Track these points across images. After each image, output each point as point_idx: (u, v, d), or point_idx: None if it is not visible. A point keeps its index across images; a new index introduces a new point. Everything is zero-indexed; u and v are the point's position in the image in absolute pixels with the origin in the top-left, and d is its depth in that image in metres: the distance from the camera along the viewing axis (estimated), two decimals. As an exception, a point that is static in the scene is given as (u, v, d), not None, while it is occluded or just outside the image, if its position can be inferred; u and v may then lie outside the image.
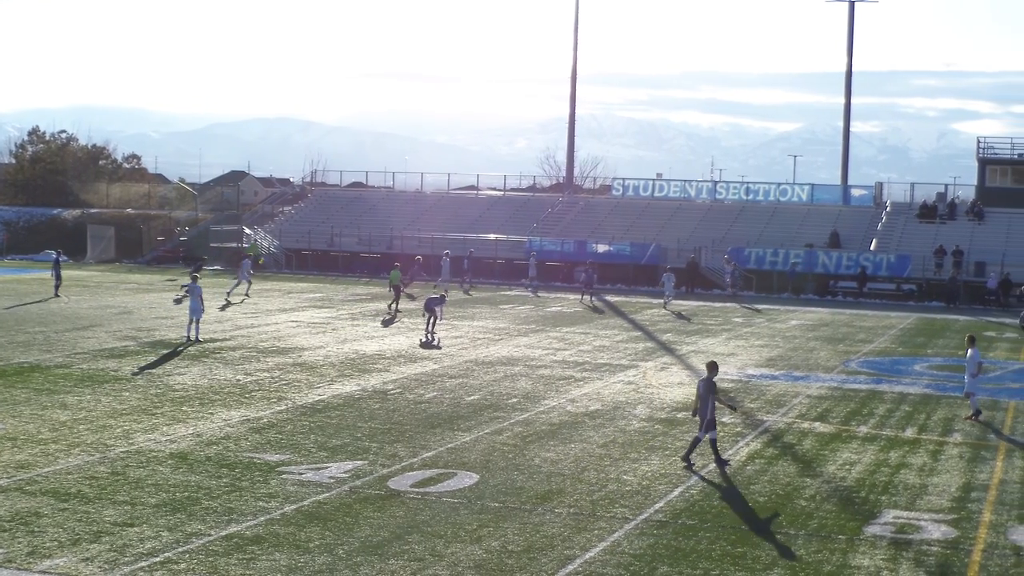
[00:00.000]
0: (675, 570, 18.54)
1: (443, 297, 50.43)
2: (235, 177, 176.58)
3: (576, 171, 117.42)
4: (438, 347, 44.63)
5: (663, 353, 45.23)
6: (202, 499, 21.63)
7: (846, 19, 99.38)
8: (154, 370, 36.78)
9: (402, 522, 20.55)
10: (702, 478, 24.86)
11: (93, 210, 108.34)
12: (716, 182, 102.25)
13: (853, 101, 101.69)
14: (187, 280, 48.75)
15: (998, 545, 20.50)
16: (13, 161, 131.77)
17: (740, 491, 23.72)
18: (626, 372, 39.75)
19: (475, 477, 24.00)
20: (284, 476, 23.56)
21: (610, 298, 71.11)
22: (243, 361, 39.22)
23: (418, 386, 35.16)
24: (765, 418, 32.04)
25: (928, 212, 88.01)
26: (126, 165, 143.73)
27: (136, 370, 36.67)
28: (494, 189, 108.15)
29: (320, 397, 32.81)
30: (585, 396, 34.47)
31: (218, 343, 43.40)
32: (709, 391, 26.09)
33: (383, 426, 29.01)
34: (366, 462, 25.02)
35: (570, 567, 18.50)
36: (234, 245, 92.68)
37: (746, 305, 68.34)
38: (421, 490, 22.81)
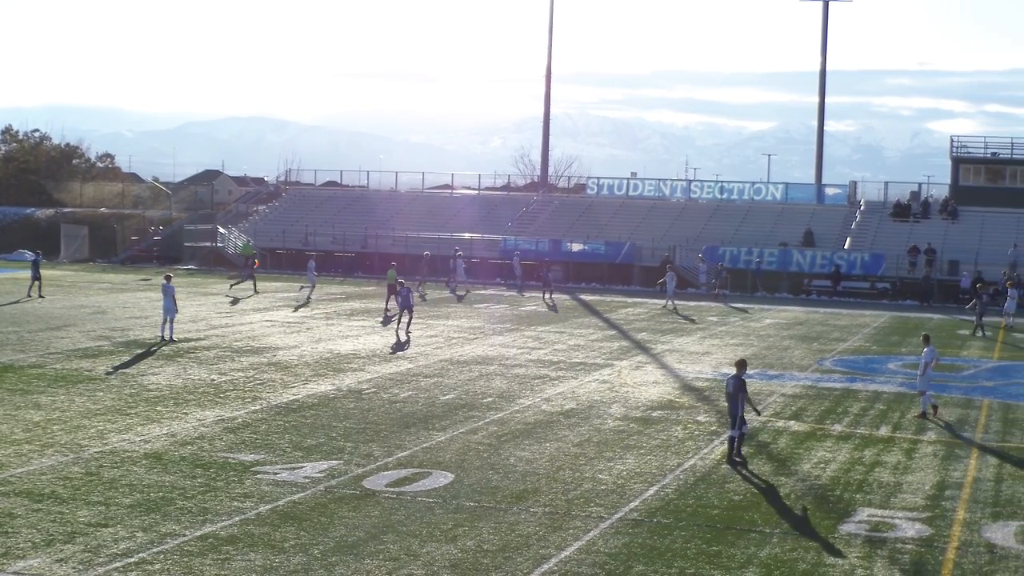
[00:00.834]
0: (650, 569, 18.56)
1: (410, 290, 50.49)
2: (209, 176, 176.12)
3: (551, 170, 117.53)
4: (405, 347, 44.66)
5: (638, 352, 45.27)
6: (176, 499, 21.57)
7: (820, 19, 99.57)
8: (128, 370, 36.68)
9: (377, 522, 20.53)
10: (745, 477, 24.92)
11: (66, 209, 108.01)
12: (690, 181, 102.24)
13: (827, 100, 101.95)
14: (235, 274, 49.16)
15: (972, 543, 20.56)
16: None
17: (715, 490, 23.74)
18: (601, 371, 39.77)
19: (450, 476, 23.98)
20: (259, 476, 23.51)
21: (585, 297, 71.13)
22: (217, 361, 39.13)
23: (393, 385, 35.13)
24: (740, 417, 32.04)
25: (902, 211, 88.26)
26: (100, 164, 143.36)
27: (110, 370, 36.57)
28: (469, 188, 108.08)
29: (295, 397, 32.76)
30: (560, 395, 34.48)
31: (192, 343, 43.29)
32: (739, 389, 26.32)
33: (358, 426, 28.98)
34: (341, 462, 24.99)
35: (545, 566, 18.50)
36: (208, 244, 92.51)
37: (731, 305, 68.16)
38: (396, 490, 22.79)
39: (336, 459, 25.24)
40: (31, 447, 25.55)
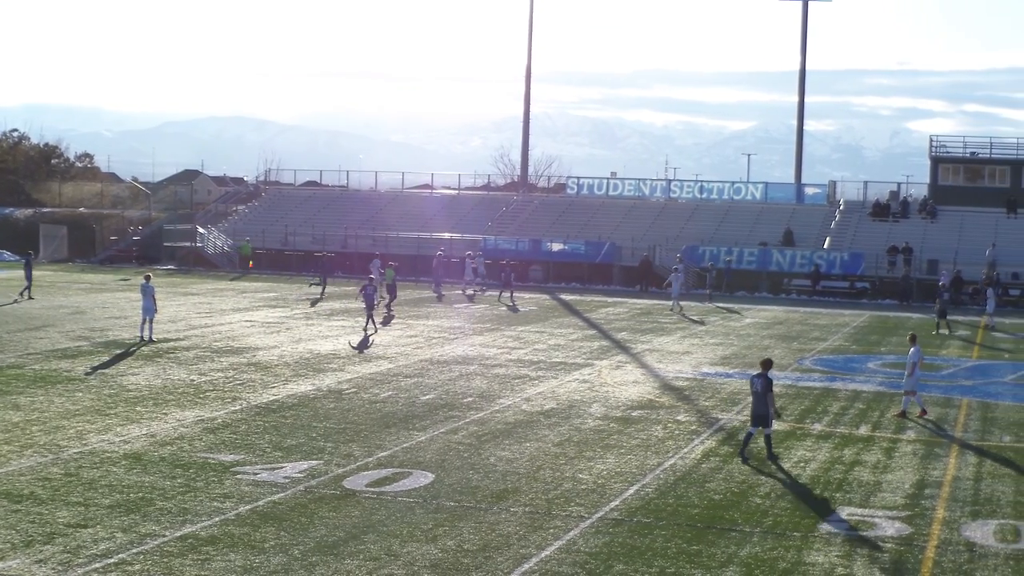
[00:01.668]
0: (631, 568, 18.57)
1: (375, 287, 50.67)
2: (188, 176, 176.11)
3: (530, 170, 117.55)
4: (368, 344, 44.87)
5: (618, 352, 45.29)
6: (156, 500, 21.53)
7: (799, 18, 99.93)
8: (107, 370, 36.59)
9: (358, 522, 20.51)
10: (776, 475, 24.97)
11: (45, 209, 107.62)
12: (670, 181, 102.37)
13: (807, 100, 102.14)
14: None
15: (952, 541, 20.61)
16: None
17: (696, 489, 23.77)
18: (581, 371, 39.78)
19: (430, 476, 23.97)
20: (239, 476, 23.47)
21: (565, 296, 71.16)
22: (197, 361, 39.07)
23: (373, 385, 35.11)
24: (720, 416, 32.11)
25: (881, 210, 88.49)
26: (79, 164, 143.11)
27: (89, 370, 36.48)
28: (448, 188, 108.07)
29: (275, 397, 32.72)
30: (540, 395, 34.48)
31: (172, 343, 43.21)
32: (767, 388, 26.58)
33: (338, 426, 28.95)
34: (321, 462, 24.97)
35: (526, 566, 18.50)
36: (187, 244, 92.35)
37: (721, 306, 67.97)
38: (376, 490, 22.77)
39: (316, 459, 25.21)
40: (10, 448, 25.48)
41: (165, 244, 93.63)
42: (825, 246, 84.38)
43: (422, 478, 23.82)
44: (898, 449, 28.55)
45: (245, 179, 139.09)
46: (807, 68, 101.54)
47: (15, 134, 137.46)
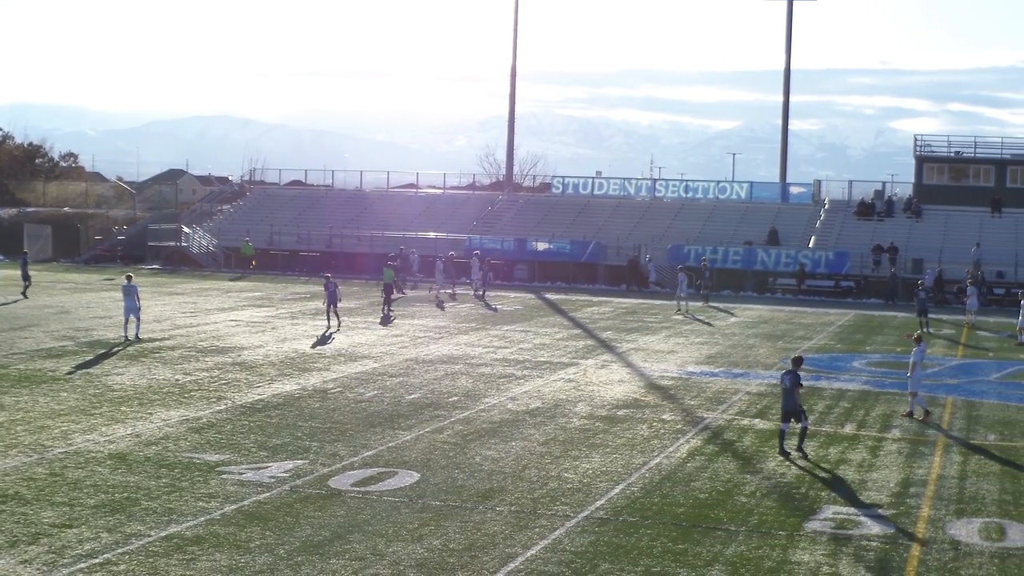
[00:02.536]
0: (616, 567, 18.58)
1: (336, 284, 51.02)
2: (173, 175, 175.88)
3: (516, 169, 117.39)
4: (329, 340, 45.11)
5: (603, 351, 45.30)
6: (141, 500, 21.50)
7: (784, 18, 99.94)
8: (92, 370, 36.53)
9: (343, 521, 20.50)
10: (798, 461, 25.05)
11: (29, 209, 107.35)
12: (655, 180, 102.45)
13: (791, 99, 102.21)
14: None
15: (936, 540, 20.65)
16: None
17: (681, 488, 23.78)
18: (566, 370, 39.79)
19: (416, 476, 23.97)
20: (224, 476, 23.45)
21: (550, 296, 71.15)
22: (182, 361, 39.01)
23: (358, 385, 35.08)
24: (705, 415, 32.13)
25: (866, 210, 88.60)
26: (63, 163, 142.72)
27: (71, 369, 36.40)
28: (434, 187, 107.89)
29: (260, 396, 32.68)
30: (526, 394, 34.48)
31: (157, 343, 43.15)
32: (795, 385, 27.12)
33: (323, 425, 28.93)
34: (306, 461, 24.95)
35: (512, 565, 18.50)
36: (172, 244, 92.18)
37: (712, 305, 67.81)
38: (362, 489, 22.76)
39: (302, 459, 25.20)
40: (-6, 448, 25.44)
41: (150, 244, 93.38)
42: (810, 245, 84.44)
43: (407, 477, 23.81)
44: (883, 448, 28.60)
45: (230, 178, 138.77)
46: (791, 67, 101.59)
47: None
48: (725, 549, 19.73)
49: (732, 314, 62.84)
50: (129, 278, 45.15)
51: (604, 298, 70.73)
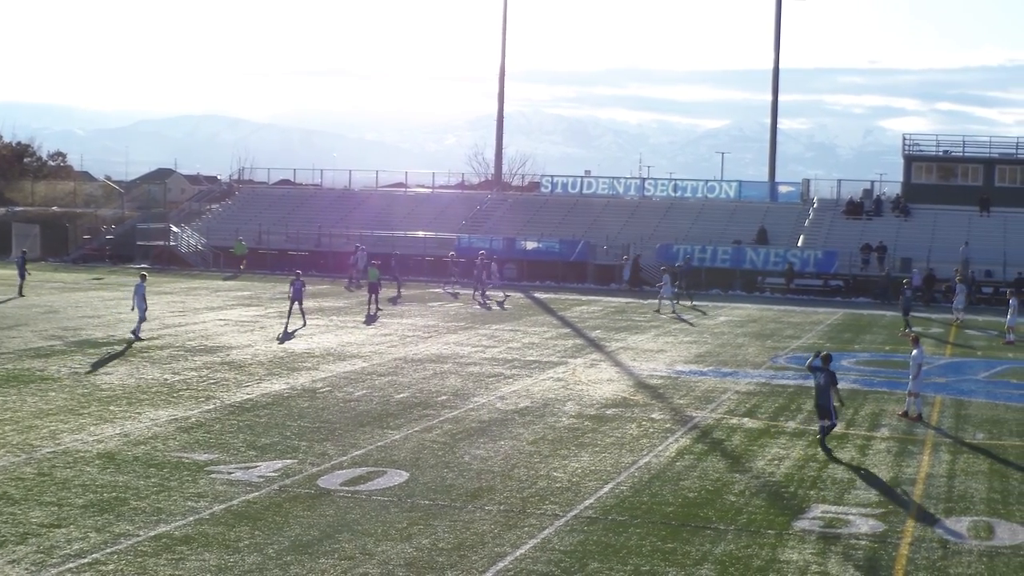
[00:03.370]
0: (605, 566, 18.58)
1: (303, 283, 51.73)
2: (162, 175, 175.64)
3: (505, 168, 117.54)
4: (292, 336, 45.78)
5: (592, 350, 45.32)
6: (130, 499, 21.47)
7: (773, 17, 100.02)
8: (81, 370, 36.47)
9: (332, 521, 20.49)
10: (838, 461, 25.12)
11: (18, 208, 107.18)
12: (644, 179, 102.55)
13: (780, 98, 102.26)
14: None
15: (925, 538, 20.68)
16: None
17: (670, 487, 23.79)
18: (555, 369, 39.79)
19: (405, 475, 23.96)
20: (213, 475, 23.42)
21: (539, 295, 71.14)
22: (171, 360, 38.97)
23: (347, 384, 35.07)
24: (694, 414, 32.15)
25: (855, 209, 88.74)
26: (51, 163, 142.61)
27: (88, 368, 36.34)
28: (422, 186, 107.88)
29: (249, 396, 32.66)
30: (515, 393, 34.48)
31: (145, 342, 43.09)
32: (829, 382, 27.61)
33: (312, 424, 28.91)
34: (295, 461, 24.93)
35: (501, 564, 18.50)
36: (161, 243, 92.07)
37: (695, 304, 67.83)
38: (351, 488, 22.75)
39: (290, 458, 25.18)
40: (-17, 447, 25.39)
41: (138, 243, 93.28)
42: (799, 244, 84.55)
43: (396, 477, 23.80)
44: (872, 447, 28.63)
45: (219, 178, 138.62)
46: (780, 66, 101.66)
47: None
48: (714, 548, 19.75)
49: (705, 313, 62.83)
50: (143, 277, 45.48)
51: (593, 297, 70.75)
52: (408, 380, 36.28)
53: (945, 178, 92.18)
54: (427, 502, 21.97)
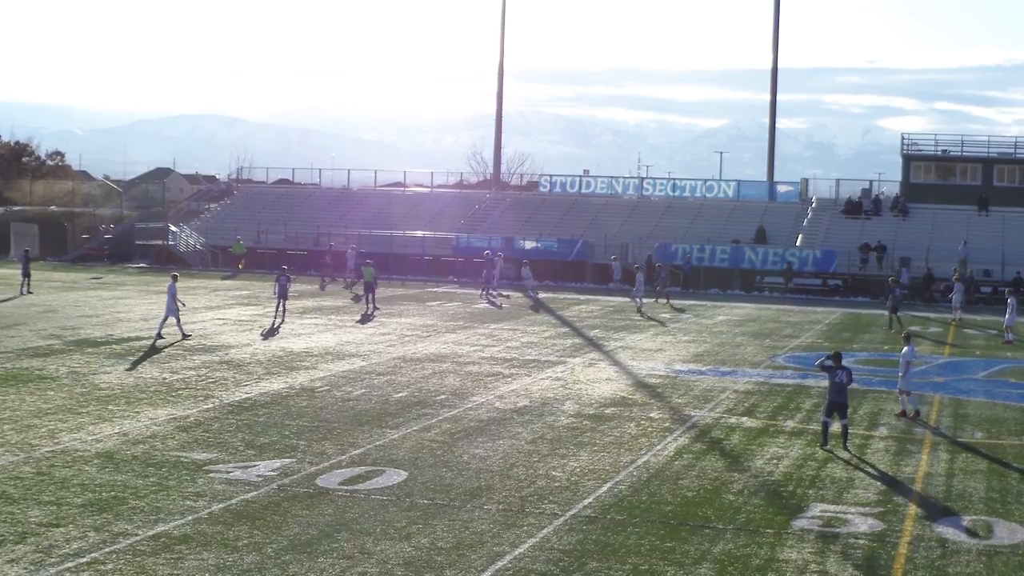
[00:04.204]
0: (604, 565, 18.57)
1: (288, 278, 52.69)
2: (160, 174, 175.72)
3: (503, 168, 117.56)
4: (276, 332, 46.40)
5: (591, 349, 45.32)
6: (129, 499, 21.46)
7: (771, 16, 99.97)
8: (79, 369, 36.45)
9: (331, 520, 20.48)
10: (864, 461, 25.15)
11: (16, 207, 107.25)
12: (643, 178, 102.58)
13: (779, 98, 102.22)
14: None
15: (924, 537, 20.67)
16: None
17: (669, 486, 23.78)
18: (554, 368, 39.79)
19: (404, 474, 23.95)
20: (212, 475, 23.41)
21: (538, 294, 71.08)
22: (169, 359, 38.96)
23: (346, 383, 35.06)
24: (693, 413, 32.14)
25: (853, 208, 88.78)
26: (50, 162, 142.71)
27: (131, 366, 36.34)
28: (421, 186, 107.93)
29: (247, 395, 32.65)
30: (513, 392, 34.48)
31: (144, 341, 43.08)
32: (848, 379, 28.08)
33: (311, 424, 28.91)
34: (294, 460, 24.92)
35: (499, 563, 18.49)
36: (159, 243, 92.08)
37: (671, 303, 68.02)
38: (350, 488, 22.74)
39: (289, 457, 25.17)
40: (-19, 447, 25.38)
41: (137, 242, 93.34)
42: (797, 244, 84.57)
43: (395, 476, 23.79)
44: (870, 446, 28.63)
45: (217, 177, 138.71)
46: (778, 66, 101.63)
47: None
48: (713, 547, 19.74)
49: (682, 311, 62.89)
50: (175, 278, 45.62)
51: (592, 296, 70.75)
52: (407, 379, 36.28)
53: (944, 178, 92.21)
54: (426, 501, 21.96)
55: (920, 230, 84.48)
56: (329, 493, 22.30)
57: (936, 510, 22.59)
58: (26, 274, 62.43)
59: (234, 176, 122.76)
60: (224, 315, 53.03)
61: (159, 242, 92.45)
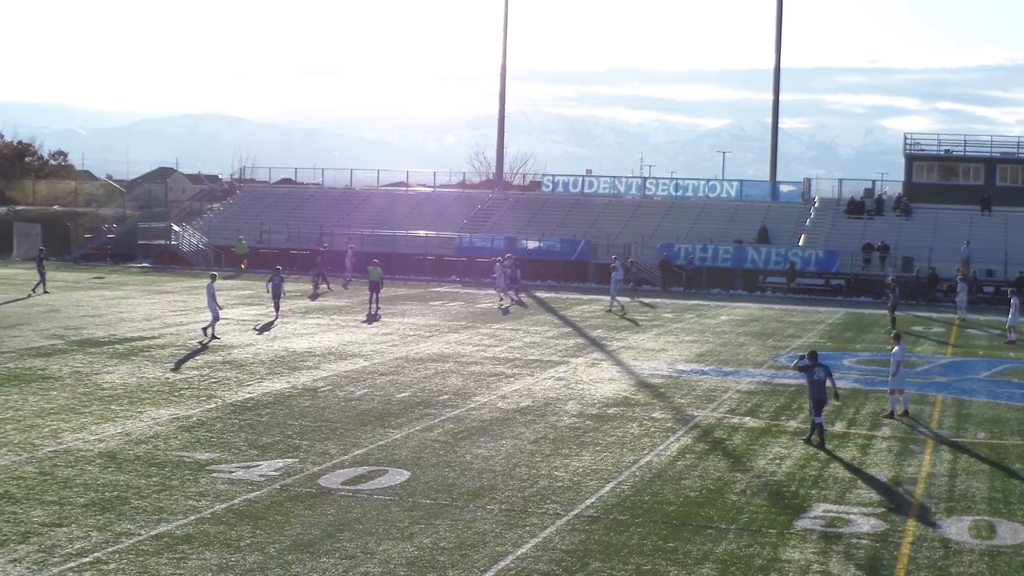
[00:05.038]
0: (607, 565, 18.57)
1: (282, 278, 53.14)
2: (163, 174, 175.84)
3: (506, 167, 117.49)
4: (271, 328, 46.72)
5: (593, 349, 45.31)
6: (131, 498, 21.46)
7: (774, 16, 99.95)
8: (82, 369, 36.46)
9: (333, 520, 20.49)
10: (830, 454, 25.16)
11: (19, 207, 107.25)
12: (645, 179, 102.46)
13: (781, 98, 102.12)
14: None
15: (927, 538, 20.67)
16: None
17: (671, 486, 23.78)
18: (557, 368, 39.78)
19: (406, 474, 23.95)
20: (214, 475, 23.41)
21: (540, 294, 71.12)
22: (172, 359, 38.96)
23: (348, 383, 35.06)
24: (695, 413, 32.14)
25: (856, 208, 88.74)
26: (52, 162, 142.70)
27: (175, 365, 36.34)
28: (423, 185, 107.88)
29: (250, 395, 32.65)
30: (516, 392, 34.47)
31: (147, 341, 43.09)
32: (826, 376, 28.38)
33: (314, 424, 28.91)
34: (297, 460, 24.92)
35: (502, 563, 18.49)
36: (162, 242, 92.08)
37: (639, 300, 68.18)
38: (352, 487, 22.74)
39: (292, 457, 25.17)
40: (-16, 446, 25.39)
41: (140, 242, 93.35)
42: (800, 243, 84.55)
43: (398, 476, 23.79)
44: (873, 446, 28.62)
45: (220, 177, 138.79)
46: (781, 66, 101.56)
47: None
48: (716, 547, 19.74)
49: (653, 306, 62.95)
50: (213, 277, 45.81)
51: (594, 296, 70.71)
52: (409, 379, 36.28)
53: (946, 177, 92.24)
54: (428, 501, 21.96)
55: (923, 230, 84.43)
56: (332, 493, 22.30)
57: (939, 510, 22.59)
58: (42, 274, 62.34)
59: (236, 176, 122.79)
60: (226, 315, 52.91)
61: (162, 242, 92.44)
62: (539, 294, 71.27)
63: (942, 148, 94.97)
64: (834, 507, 22.57)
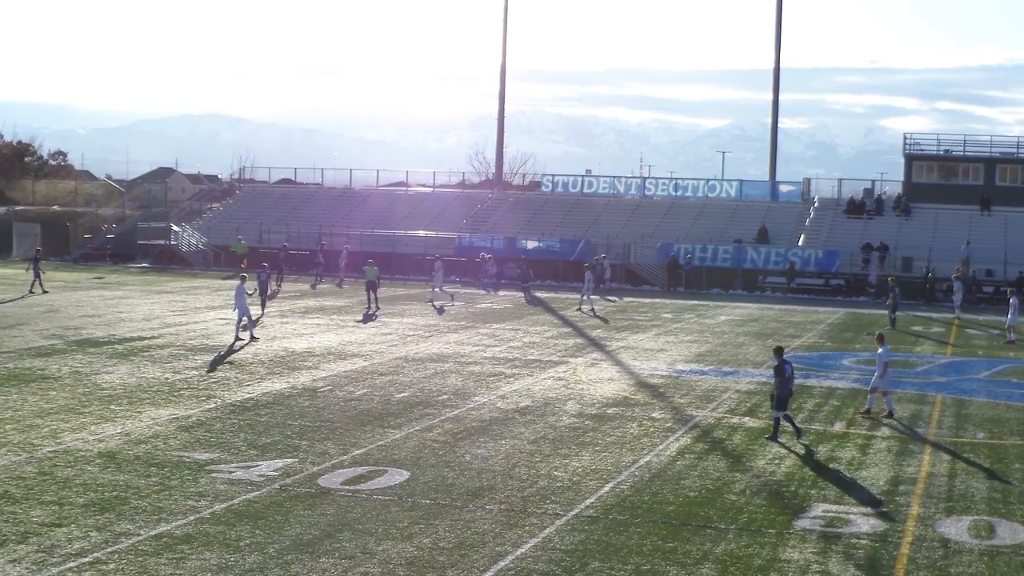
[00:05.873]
0: (606, 565, 18.57)
1: (269, 275, 53.50)
2: (163, 174, 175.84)
3: (506, 167, 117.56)
4: (256, 325, 47.00)
5: (593, 349, 45.31)
6: (131, 498, 21.46)
7: (773, 16, 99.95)
8: (82, 369, 36.46)
9: (333, 520, 20.49)
10: (794, 450, 25.08)
11: (19, 207, 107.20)
12: (645, 178, 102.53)
13: (781, 98, 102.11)
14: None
15: (926, 538, 20.67)
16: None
17: (671, 486, 23.78)
18: (556, 368, 39.78)
19: (406, 474, 23.95)
20: (214, 475, 23.41)
21: (540, 294, 71.13)
22: (172, 359, 38.96)
23: (348, 383, 35.06)
24: (695, 413, 32.14)
25: (855, 208, 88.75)
26: (52, 162, 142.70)
27: (206, 365, 36.35)
28: (423, 185, 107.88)
29: (250, 395, 32.65)
30: (515, 392, 34.47)
31: (146, 341, 43.09)
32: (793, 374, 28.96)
33: (313, 424, 28.91)
34: (296, 460, 24.92)
35: (501, 563, 18.49)
36: (161, 242, 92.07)
37: (608, 298, 68.39)
38: (352, 488, 22.74)
39: (291, 457, 25.17)
40: (-17, 447, 25.39)
41: (139, 242, 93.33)
42: (800, 243, 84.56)
43: (397, 476, 23.79)
44: (872, 446, 28.63)
45: (219, 177, 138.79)
46: (780, 66, 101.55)
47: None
48: (715, 547, 19.74)
49: (619, 298, 63.05)
50: (243, 279, 45.76)
51: (594, 296, 70.66)
52: (409, 379, 36.28)
53: (946, 177, 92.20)
54: (428, 501, 21.97)
55: (922, 230, 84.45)
56: (331, 493, 22.30)
57: (938, 510, 22.59)
58: (37, 274, 62.33)
59: (236, 176, 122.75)
60: (227, 315, 52.95)
61: (161, 242, 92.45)
62: (538, 294, 71.24)
63: (942, 148, 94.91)
64: (833, 507, 22.57)
